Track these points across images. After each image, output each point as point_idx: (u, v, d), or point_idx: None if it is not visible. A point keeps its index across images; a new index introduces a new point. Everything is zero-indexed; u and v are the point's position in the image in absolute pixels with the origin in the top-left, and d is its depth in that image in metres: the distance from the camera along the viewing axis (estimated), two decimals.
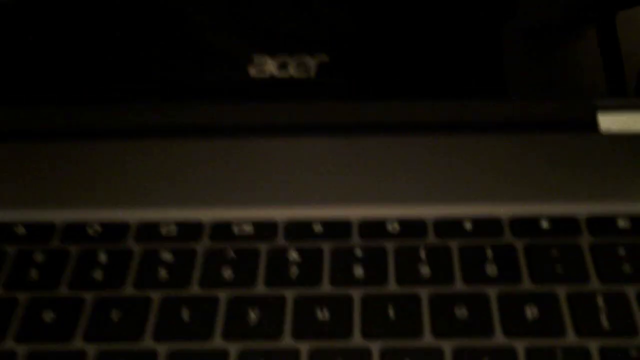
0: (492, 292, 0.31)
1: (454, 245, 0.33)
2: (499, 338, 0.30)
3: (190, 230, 0.34)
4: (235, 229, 0.34)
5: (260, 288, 0.32)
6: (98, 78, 0.40)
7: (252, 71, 0.39)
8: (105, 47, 0.40)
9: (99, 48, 0.40)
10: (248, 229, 0.34)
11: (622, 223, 0.34)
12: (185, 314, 0.31)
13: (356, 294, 0.32)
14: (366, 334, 0.30)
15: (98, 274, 0.33)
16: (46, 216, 0.35)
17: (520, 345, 0.30)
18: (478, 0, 0.41)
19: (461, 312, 0.31)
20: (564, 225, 0.34)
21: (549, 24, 0.41)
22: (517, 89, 0.41)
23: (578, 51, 0.41)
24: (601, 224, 0.34)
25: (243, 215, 0.35)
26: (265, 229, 0.34)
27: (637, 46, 0.40)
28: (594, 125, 0.39)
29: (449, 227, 0.34)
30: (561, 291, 0.31)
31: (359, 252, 0.33)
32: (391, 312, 0.31)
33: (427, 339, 0.30)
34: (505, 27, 0.41)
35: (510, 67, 0.41)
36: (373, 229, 0.34)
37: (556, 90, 0.40)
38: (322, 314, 0.31)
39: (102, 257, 0.33)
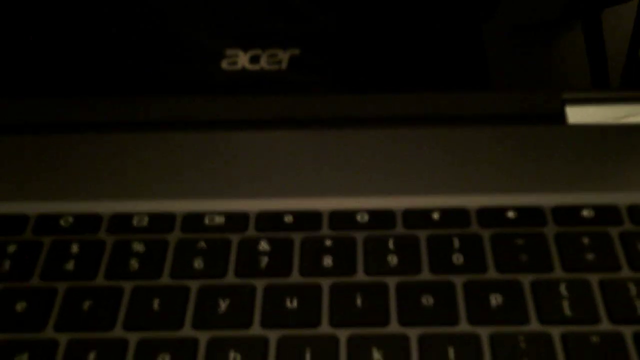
0: (458, 280, 0.32)
1: (422, 235, 0.34)
2: (464, 326, 0.31)
3: (162, 221, 0.34)
4: (207, 220, 0.34)
5: (230, 278, 0.32)
6: (68, 71, 0.40)
7: (224, 64, 0.39)
8: (76, 39, 0.40)
9: (69, 40, 0.40)
10: (219, 220, 0.35)
11: (586, 213, 0.34)
12: (156, 304, 0.31)
13: (325, 283, 0.32)
14: (334, 322, 0.31)
15: (70, 265, 0.33)
16: (19, 208, 0.35)
17: (484, 333, 0.30)
18: None
19: (427, 300, 0.31)
20: (530, 215, 0.34)
21: (532, 19, 0.41)
22: (490, 83, 0.41)
23: (560, 46, 0.41)
24: (566, 214, 0.34)
25: (215, 207, 0.35)
26: (236, 220, 0.34)
27: (622, 41, 0.41)
28: (562, 117, 0.39)
29: (417, 217, 0.34)
30: (525, 280, 0.32)
31: (328, 243, 0.33)
32: (359, 301, 0.31)
33: (394, 326, 0.31)
34: (482, 21, 0.41)
35: (484, 61, 0.41)
36: (343, 220, 0.34)
37: (530, 84, 0.41)
38: (291, 303, 0.31)
39: (74, 248, 0.33)
